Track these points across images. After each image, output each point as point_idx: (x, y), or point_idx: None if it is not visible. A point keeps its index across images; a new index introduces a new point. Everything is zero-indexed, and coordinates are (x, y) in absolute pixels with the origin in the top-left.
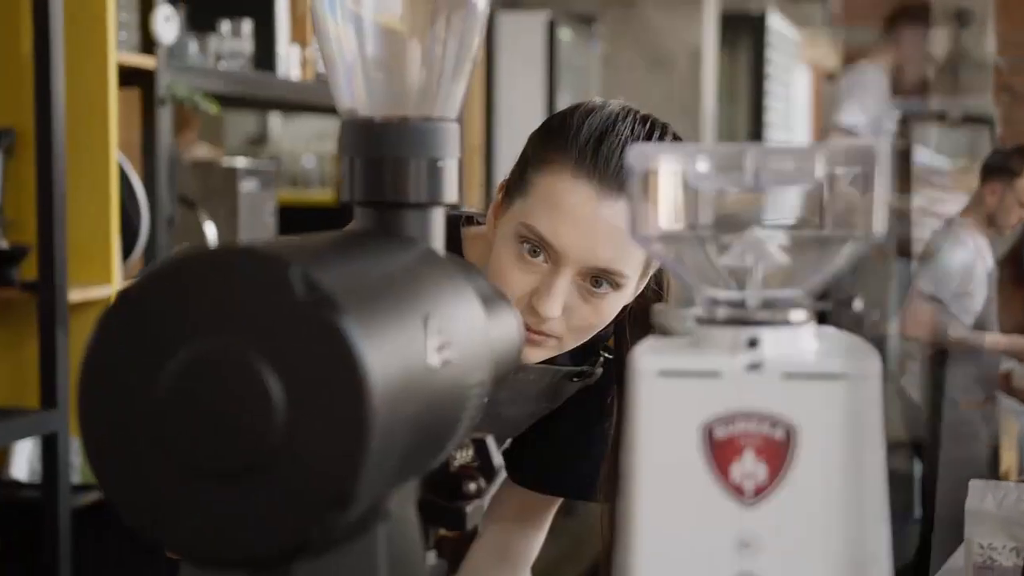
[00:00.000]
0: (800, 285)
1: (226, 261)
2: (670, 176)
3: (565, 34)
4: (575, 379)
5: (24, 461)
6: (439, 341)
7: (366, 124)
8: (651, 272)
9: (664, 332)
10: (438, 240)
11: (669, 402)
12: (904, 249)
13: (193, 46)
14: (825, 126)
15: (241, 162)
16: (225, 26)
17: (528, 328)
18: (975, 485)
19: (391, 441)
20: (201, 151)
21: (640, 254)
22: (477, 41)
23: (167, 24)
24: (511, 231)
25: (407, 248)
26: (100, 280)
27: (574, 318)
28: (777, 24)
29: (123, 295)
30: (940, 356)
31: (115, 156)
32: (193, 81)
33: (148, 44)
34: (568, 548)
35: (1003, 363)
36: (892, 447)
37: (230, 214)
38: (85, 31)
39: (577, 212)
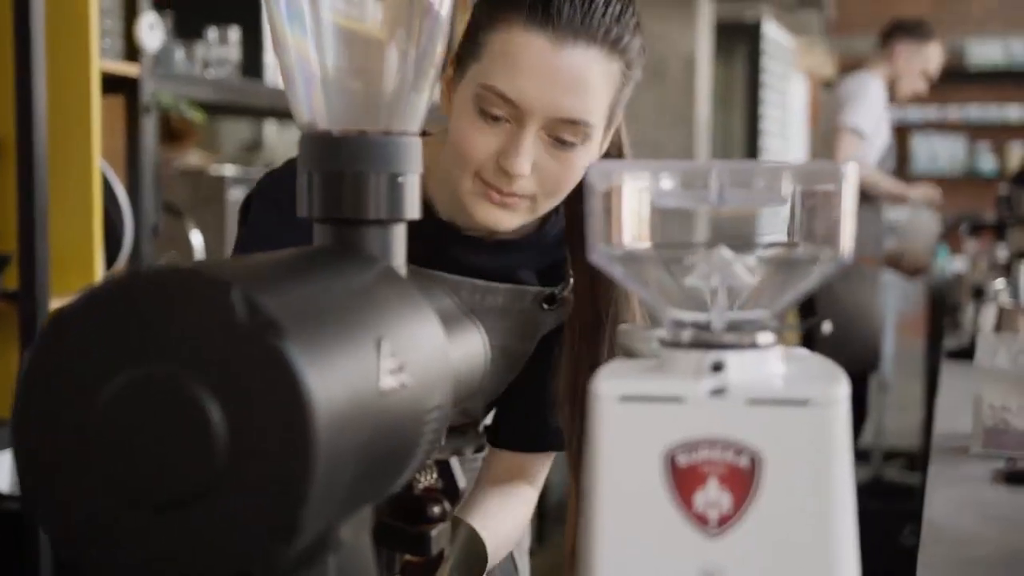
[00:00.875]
0: (767, 306)
1: (167, 282)
2: (633, 194)
3: None
4: (546, 306)
5: (5, 472)
6: (393, 364)
7: (324, 138)
8: (615, 125)
9: (629, 353)
10: (399, 257)
11: (630, 428)
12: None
13: (180, 53)
14: (826, 128)
15: (230, 170)
16: (212, 33)
17: (500, 191)
18: (985, 339)
19: (339, 468)
20: (194, 158)
21: (603, 103)
22: (440, 51)
23: (152, 32)
24: (468, 96)
25: (365, 267)
26: (82, 289)
27: (544, 176)
28: (773, 32)
29: (60, 315)
30: None
31: (98, 164)
32: (178, 89)
33: (133, 52)
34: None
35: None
36: None
37: (219, 222)
38: (68, 38)
39: (534, 63)
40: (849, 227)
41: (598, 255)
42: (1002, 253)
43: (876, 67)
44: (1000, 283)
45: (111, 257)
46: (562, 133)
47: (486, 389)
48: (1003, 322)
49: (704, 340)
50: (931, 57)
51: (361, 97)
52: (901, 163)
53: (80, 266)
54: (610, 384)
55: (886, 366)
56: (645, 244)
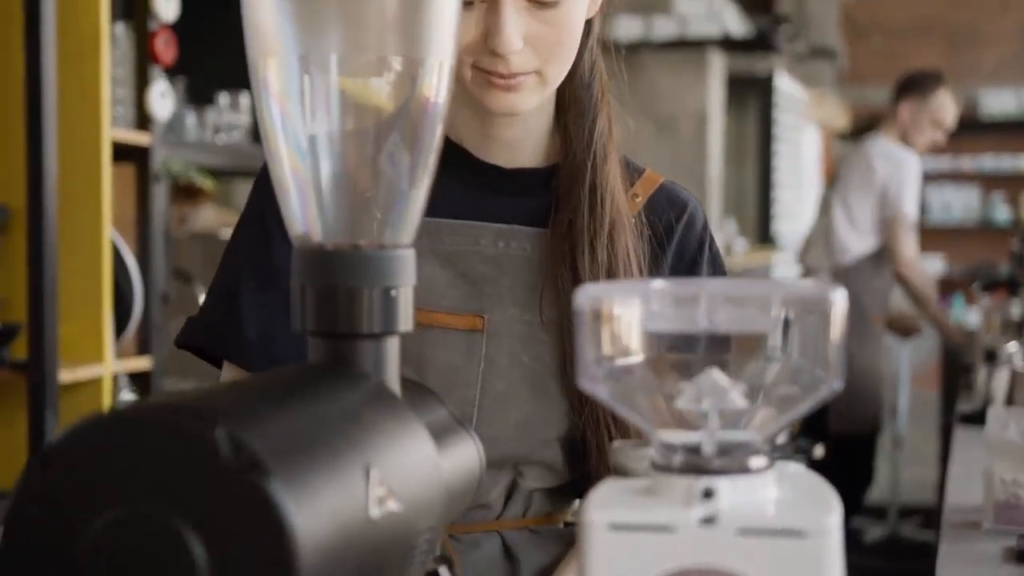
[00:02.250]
0: (759, 429)
1: (150, 421)
2: (621, 317)
3: None
4: None
5: None
6: (382, 491)
7: (318, 252)
8: None
9: (621, 471)
10: (392, 370)
11: (621, 557)
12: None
13: (191, 119)
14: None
15: None
16: (223, 99)
17: (500, 76)
18: (995, 412)
19: None
20: (209, 213)
21: None
22: (432, 160)
23: (163, 100)
24: None
25: (356, 385)
26: (92, 359)
27: (539, 44)
28: (785, 84)
29: (44, 454)
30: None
31: (108, 233)
32: (189, 155)
33: (144, 120)
34: None
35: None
36: None
37: None
38: (79, 107)
39: None
40: (839, 352)
41: (586, 377)
42: (1016, 310)
43: (890, 129)
44: (1013, 346)
45: (120, 326)
46: None
47: (536, 379)
48: (1016, 386)
49: (695, 465)
50: (939, 107)
51: (355, 210)
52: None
53: (90, 336)
54: (600, 513)
55: (901, 421)
56: (634, 365)
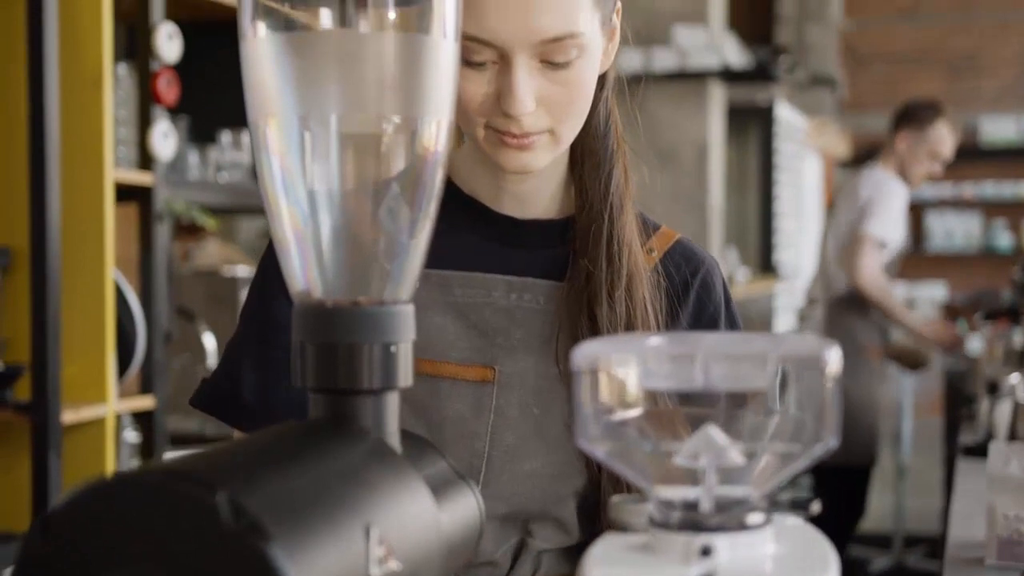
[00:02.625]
0: (756, 485)
1: (151, 486)
2: (618, 374)
3: None
4: None
5: None
6: (382, 550)
7: (318, 309)
8: (614, 21)
9: (620, 527)
10: (392, 425)
11: None
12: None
13: (193, 157)
14: (846, 226)
15: (243, 271)
16: (225, 137)
17: (513, 136)
18: (996, 447)
19: None
20: (212, 248)
21: (586, 5)
22: (431, 215)
23: (165, 140)
24: None
25: (356, 443)
26: (95, 399)
27: (552, 104)
28: (786, 113)
29: (45, 519)
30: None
31: (111, 274)
32: (191, 195)
33: (146, 160)
34: None
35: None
36: None
37: (232, 323)
38: (82, 149)
39: None
40: (835, 409)
41: (583, 435)
42: (1018, 339)
43: (887, 159)
44: (1015, 378)
45: (123, 365)
46: (552, 55)
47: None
48: (1019, 419)
49: (692, 522)
50: (937, 139)
51: (355, 267)
52: (917, 241)
53: (93, 376)
54: (599, 570)
55: (905, 449)
56: (631, 422)
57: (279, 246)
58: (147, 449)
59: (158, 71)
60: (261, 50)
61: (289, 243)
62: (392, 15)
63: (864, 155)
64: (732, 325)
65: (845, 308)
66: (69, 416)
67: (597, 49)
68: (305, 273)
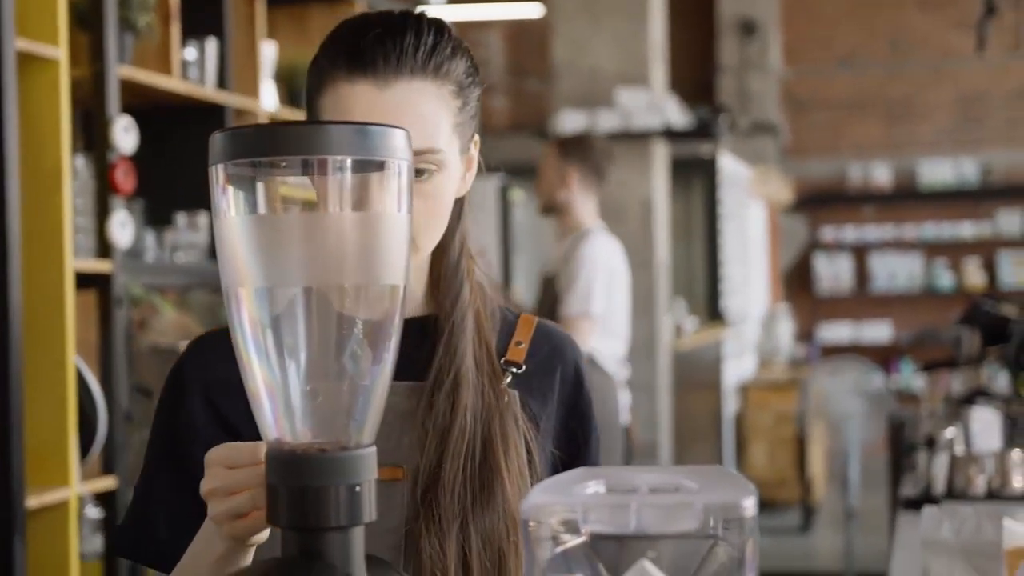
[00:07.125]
0: None
1: None
2: (559, 522)
3: (518, 195)
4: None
5: None
6: None
7: (289, 456)
8: (472, 143)
9: None
10: (357, 558)
11: None
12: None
13: (150, 239)
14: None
15: None
16: (181, 219)
17: None
18: (929, 512)
19: None
20: (168, 317)
21: (445, 125)
22: (389, 367)
23: (123, 228)
24: None
25: None
26: (58, 483)
27: (413, 213)
28: (728, 164)
29: None
30: None
31: (72, 361)
32: (148, 277)
33: (105, 248)
34: None
35: None
36: None
37: None
38: (43, 239)
39: (363, 108)
40: (755, 548)
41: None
42: (957, 386)
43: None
44: (951, 431)
45: (85, 448)
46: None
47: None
48: (956, 472)
49: None
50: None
51: (322, 416)
52: (862, 282)
53: (55, 461)
54: None
55: (852, 493)
56: (572, 562)
57: (252, 399)
58: (109, 526)
59: (115, 162)
60: (233, 228)
61: (261, 396)
62: (350, 193)
63: (807, 200)
64: (588, 408)
65: None
66: (32, 501)
67: (456, 171)
68: (276, 422)
